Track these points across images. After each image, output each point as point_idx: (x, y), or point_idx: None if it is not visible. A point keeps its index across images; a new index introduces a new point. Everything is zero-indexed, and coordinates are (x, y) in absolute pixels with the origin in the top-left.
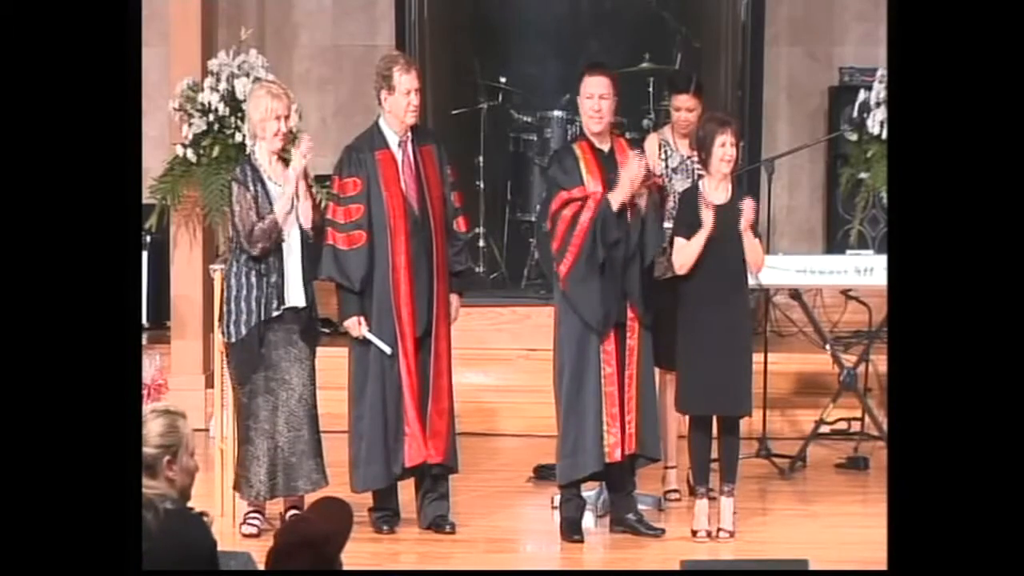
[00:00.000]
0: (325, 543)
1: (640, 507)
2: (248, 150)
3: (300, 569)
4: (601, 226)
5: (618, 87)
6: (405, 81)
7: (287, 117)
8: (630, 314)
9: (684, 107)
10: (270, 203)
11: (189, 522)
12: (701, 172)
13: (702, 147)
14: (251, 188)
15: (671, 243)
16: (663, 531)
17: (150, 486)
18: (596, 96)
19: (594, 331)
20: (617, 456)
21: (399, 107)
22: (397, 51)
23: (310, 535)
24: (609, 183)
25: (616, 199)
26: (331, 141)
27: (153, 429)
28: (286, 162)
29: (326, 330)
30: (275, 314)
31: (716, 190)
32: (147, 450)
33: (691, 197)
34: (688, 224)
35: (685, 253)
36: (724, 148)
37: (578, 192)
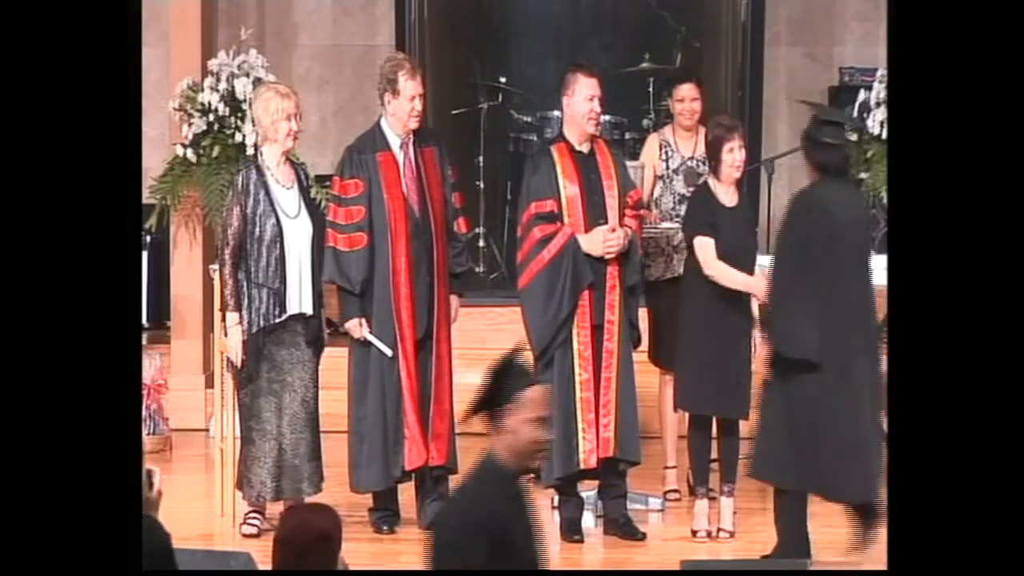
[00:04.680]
0: (328, 541)
1: (634, 506)
2: (255, 151)
3: (315, 569)
4: (573, 271)
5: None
6: (410, 87)
7: (297, 116)
8: (609, 316)
9: (689, 96)
10: (273, 207)
11: (146, 528)
12: (701, 172)
13: (711, 154)
14: (250, 197)
15: (688, 243)
16: (644, 535)
17: None
18: (596, 98)
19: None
20: (592, 463)
21: (403, 112)
22: (402, 54)
23: (314, 535)
24: (587, 186)
25: (585, 246)
26: (331, 141)
27: None
28: (293, 164)
29: (327, 330)
30: (277, 321)
31: (726, 194)
32: None
33: (701, 196)
34: (709, 224)
35: (726, 276)
36: (732, 154)
37: (550, 204)
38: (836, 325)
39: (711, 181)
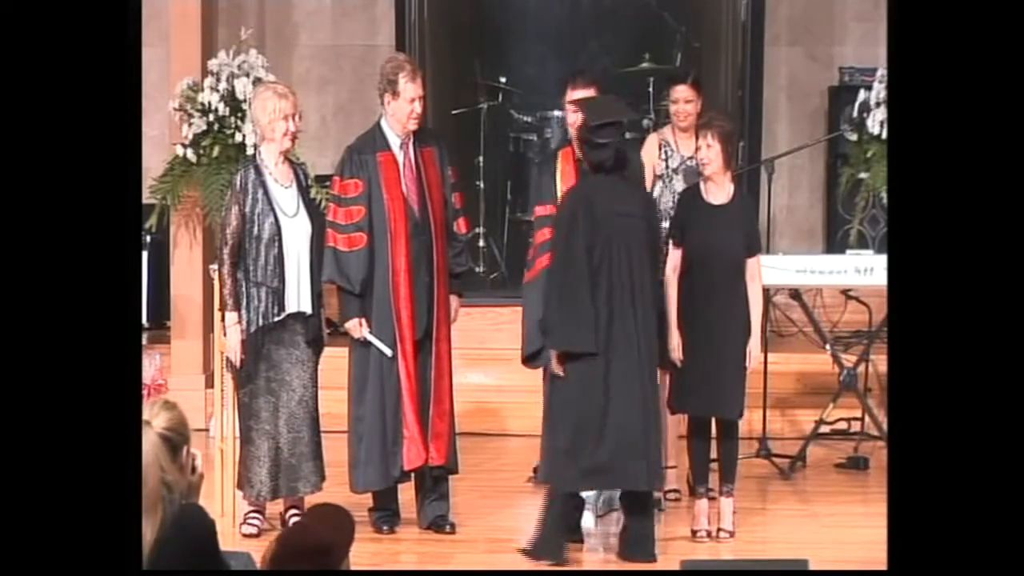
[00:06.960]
0: (327, 554)
1: None
2: (254, 151)
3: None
4: None
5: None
6: (410, 89)
7: (295, 116)
8: None
9: (682, 98)
10: (271, 206)
11: (193, 515)
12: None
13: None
14: (249, 196)
15: (666, 243)
16: None
17: (169, 471)
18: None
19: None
20: None
21: (402, 113)
22: (403, 55)
23: (312, 545)
24: None
25: None
26: (331, 141)
27: (176, 417)
28: (292, 163)
29: (327, 330)
30: (275, 319)
31: (714, 191)
32: (172, 435)
33: (688, 199)
34: (683, 227)
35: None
36: (701, 152)
37: (549, 210)
38: (600, 317)
39: (702, 180)
